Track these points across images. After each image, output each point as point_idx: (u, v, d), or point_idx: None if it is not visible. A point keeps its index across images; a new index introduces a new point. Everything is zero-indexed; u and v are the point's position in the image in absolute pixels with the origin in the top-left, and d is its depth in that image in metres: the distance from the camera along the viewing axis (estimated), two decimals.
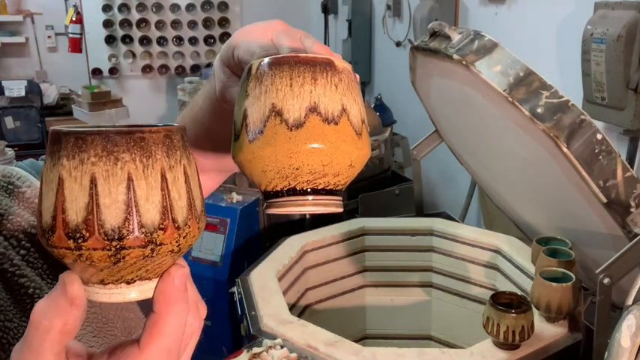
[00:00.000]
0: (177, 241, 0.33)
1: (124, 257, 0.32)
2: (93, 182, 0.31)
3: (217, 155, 0.62)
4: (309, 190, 0.39)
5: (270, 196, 0.40)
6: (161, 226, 0.32)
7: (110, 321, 0.55)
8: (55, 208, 0.32)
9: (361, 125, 0.41)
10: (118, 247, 0.31)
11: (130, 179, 0.31)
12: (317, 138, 0.38)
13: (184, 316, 0.34)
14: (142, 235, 0.31)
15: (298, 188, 0.39)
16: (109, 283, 0.33)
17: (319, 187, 0.39)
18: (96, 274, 0.33)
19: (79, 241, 0.31)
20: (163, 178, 0.32)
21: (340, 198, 0.41)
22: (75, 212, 0.31)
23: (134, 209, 0.31)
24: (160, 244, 0.32)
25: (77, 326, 0.33)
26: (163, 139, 0.32)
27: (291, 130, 0.38)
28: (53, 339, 0.33)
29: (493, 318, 1.00)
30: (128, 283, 0.33)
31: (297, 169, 0.38)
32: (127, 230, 0.31)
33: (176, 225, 0.33)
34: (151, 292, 0.34)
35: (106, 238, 0.31)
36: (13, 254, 0.55)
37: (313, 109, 0.38)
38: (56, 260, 0.56)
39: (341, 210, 0.41)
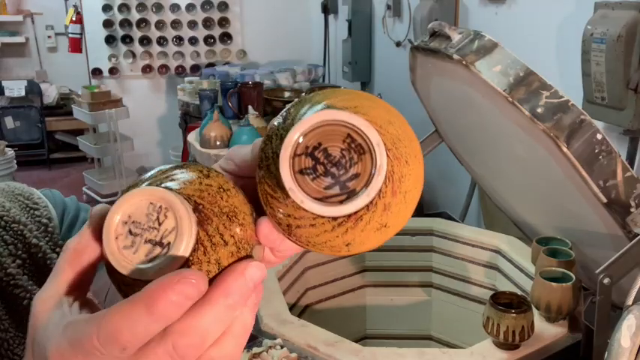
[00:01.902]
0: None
1: None
2: None
3: None
4: None
5: None
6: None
7: None
8: None
9: None
10: None
11: None
12: None
13: (159, 324, 0.30)
14: None
15: None
16: None
17: None
18: None
19: None
20: None
21: None
22: None
23: None
24: None
25: (88, 246, 0.34)
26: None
27: None
28: (67, 255, 0.35)
29: (493, 318, 1.01)
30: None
31: None
32: None
33: None
34: None
35: None
36: (8, 262, 0.54)
37: None
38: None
39: None
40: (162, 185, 0.34)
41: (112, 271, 0.33)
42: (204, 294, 0.30)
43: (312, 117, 0.32)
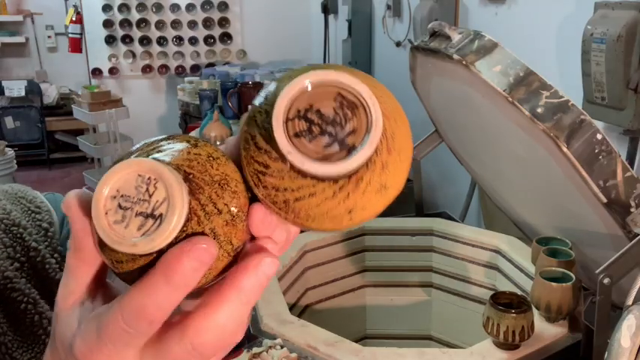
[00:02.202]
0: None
1: None
2: None
3: None
4: None
5: None
6: None
7: None
8: None
9: None
10: None
11: None
12: None
13: (179, 294, 0.31)
14: None
15: None
16: None
17: None
18: None
19: None
20: None
21: None
22: None
23: None
24: None
25: (85, 236, 0.33)
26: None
27: None
28: (71, 252, 0.34)
29: (493, 318, 1.01)
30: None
31: None
32: None
33: None
34: None
35: None
36: (6, 265, 0.54)
37: None
38: (50, 278, 0.57)
39: None
40: (150, 157, 0.33)
41: (104, 249, 0.33)
42: (218, 291, 0.31)
43: (298, 80, 0.31)
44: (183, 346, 0.30)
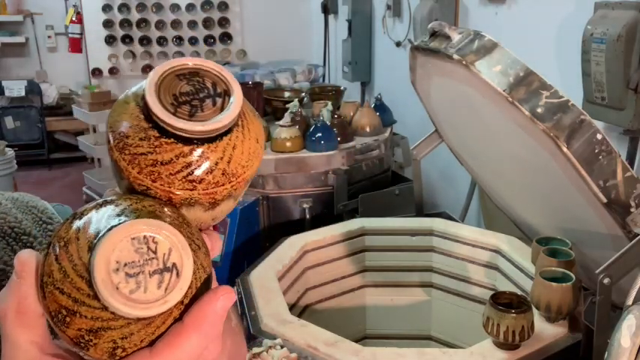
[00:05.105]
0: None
1: None
2: None
3: None
4: None
5: None
6: None
7: None
8: None
9: None
10: None
11: None
12: None
13: (208, 341, 0.32)
14: None
15: None
16: None
17: None
18: None
19: None
20: None
21: None
22: None
23: None
24: None
25: (32, 303, 0.31)
26: None
27: None
28: (12, 322, 0.32)
29: (493, 318, 1.01)
30: None
31: None
32: None
33: None
34: None
35: None
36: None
37: None
38: None
39: None
40: (114, 223, 0.31)
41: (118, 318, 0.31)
42: (182, 324, 0.32)
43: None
44: None
